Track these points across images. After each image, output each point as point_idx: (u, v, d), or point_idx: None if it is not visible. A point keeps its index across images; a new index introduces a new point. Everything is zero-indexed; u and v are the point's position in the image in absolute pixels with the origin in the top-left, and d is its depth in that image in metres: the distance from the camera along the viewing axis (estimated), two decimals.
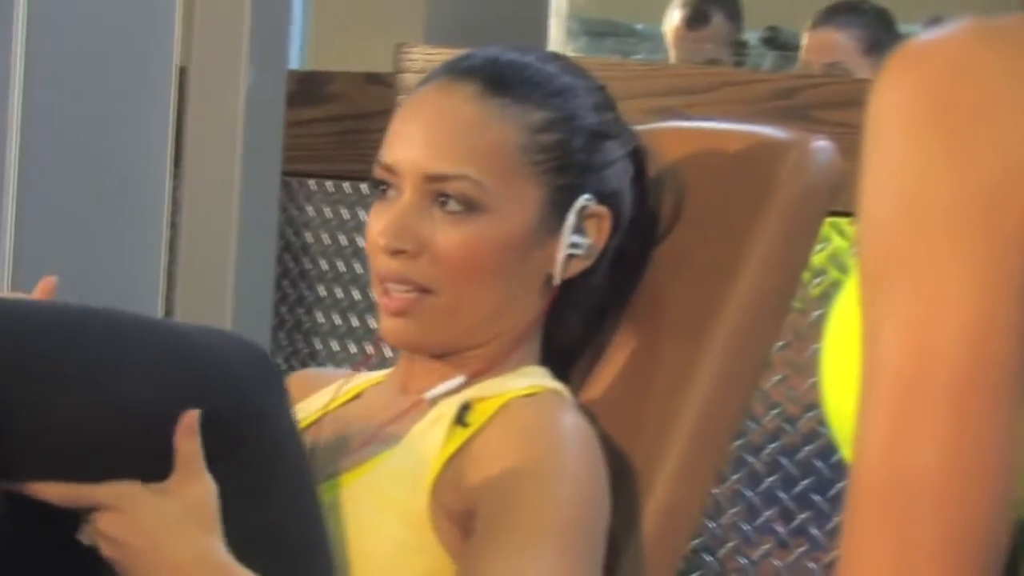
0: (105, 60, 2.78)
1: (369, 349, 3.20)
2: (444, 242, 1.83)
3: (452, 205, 1.84)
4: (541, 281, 1.90)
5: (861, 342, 1.07)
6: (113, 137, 2.80)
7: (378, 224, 1.86)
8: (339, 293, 3.32)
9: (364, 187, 3.24)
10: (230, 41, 2.47)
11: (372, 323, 3.26)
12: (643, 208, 1.95)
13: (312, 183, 3.30)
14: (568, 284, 1.91)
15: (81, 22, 2.73)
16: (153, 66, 2.80)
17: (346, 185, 3.30)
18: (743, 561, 2.84)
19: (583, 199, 1.88)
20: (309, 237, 3.32)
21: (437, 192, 1.84)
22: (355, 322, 3.30)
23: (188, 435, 1.64)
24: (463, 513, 1.77)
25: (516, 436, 1.79)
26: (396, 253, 1.83)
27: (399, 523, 1.78)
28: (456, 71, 1.89)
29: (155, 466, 1.64)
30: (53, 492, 1.62)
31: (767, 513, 2.84)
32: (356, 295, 3.30)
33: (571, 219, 1.88)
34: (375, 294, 1.90)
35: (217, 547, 1.65)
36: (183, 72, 2.74)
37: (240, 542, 1.67)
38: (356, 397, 2.01)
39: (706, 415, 1.87)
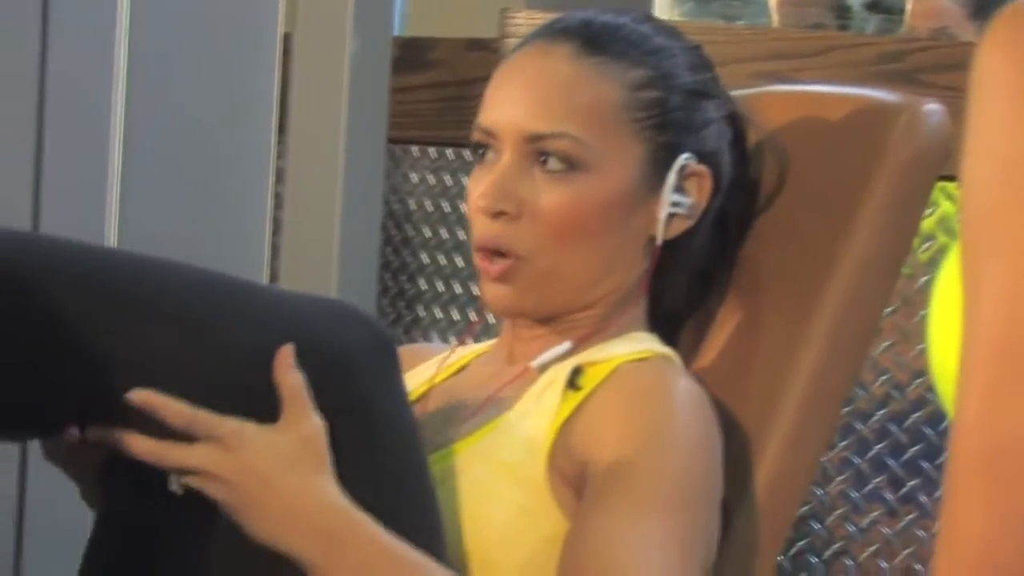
0: (209, 27, 2.80)
1: (472, 316, 3.21)
2: (546, 202, 1.84)
3: (553, 164, 1.84)
4: (643, 242, 1.90)
5: (963, 305, 1.08)
6: (217, 105, 2.81)
7: (478, 187, 1.86)
8: (442, 260, 3.33)
9: (467, 154, 3.24)
10: (335, 7, 2.48)
11: (475, 290, 3.27)
12: (743, 172, 1.96)
13: (415, 150, 3.31)
14: (671, 246, 1.91)
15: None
16: (257, 33, 2.82)
17: (449, 152, 3.30)
18: (851, 528, 2.83)
19: (683, 158, 1.88)
20: (412, 204, 3.33)
21: (537, 152, 1.84)
22: (458, 289, 3.31)
23: (288, 369, 1.63)
24: (577, 477, 1.77)
25: (628, 400, 1.79)
26: (497, 215, 1.84)
27: (516, 488, 1.78)
28: (551, 33, 1.89)
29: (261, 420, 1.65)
30: (172, 410, 1.61)
31: (876, 480, 2.83)
32: (459, 262, 3.31)
33: (672, 178, 1.88)
34: (475, 260, 1.90)
35: (330, 485, 1.64)
36: (287, 39, 2.75)
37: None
38: (462, 369, 2.02)
39: (816, 382, 1.87)
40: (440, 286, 3.33)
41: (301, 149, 2.53)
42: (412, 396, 1.96)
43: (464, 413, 1.90)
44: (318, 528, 1.63)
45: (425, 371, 2.02)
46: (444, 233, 3.32)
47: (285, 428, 1.64)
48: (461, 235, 3.29)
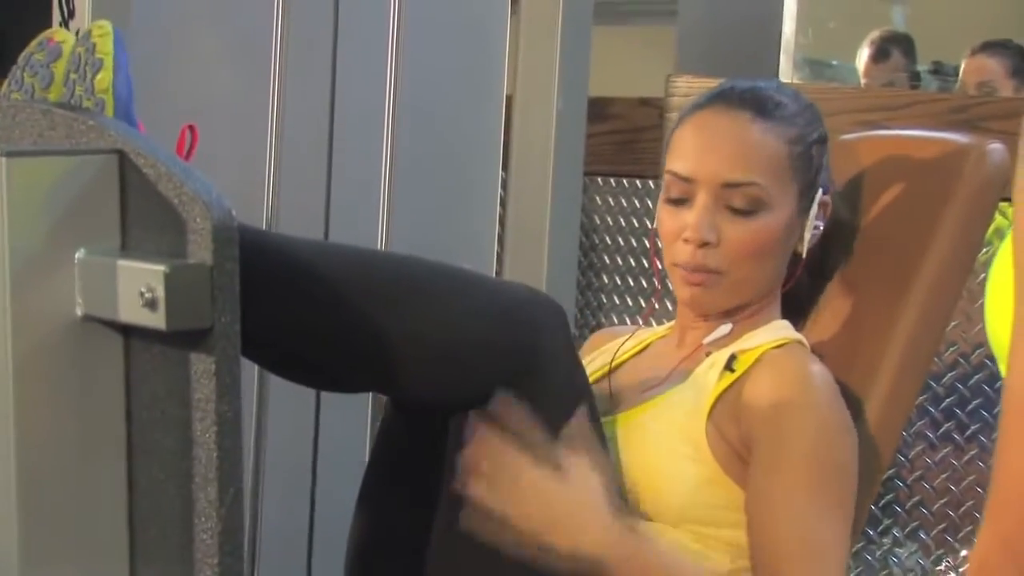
0: (457, 88, 2.82)
1: (644, 304, 3.21)
2: (735, 235, 1.82)
3: (743, 205, 1.82)
4: (790, 254, 1.89)
5: (1015, 296, 1.07)
6: (459, 148, 2.83)
7: (675, 222, 1.84)
8: (619, 260, 3.33)
9: (639, 183, 3.25)
10: (545, 75, 2.48)
11: (645, 283, 3.27)
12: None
13: (599, 179, 3.32)
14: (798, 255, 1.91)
15: (438, 70, 2.78)
16: (489, 94, 2.83)
17: (624, 181, 3.31)
18: (928, 460, 2.80)
19: (820, 192, 1.88)
20: (597, 219, 3.33)
21: (729, 195, 1.82)
22: (631, 282, 3.30)
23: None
24: (739, 440, 1.75)
25: (773, 380, 1.77)
26: (703, 245, 1.83)
27: (682, 441, 1.77)
28: (728, 100, 1.86)
29: (479, 370, 1.64)
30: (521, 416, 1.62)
31: (947, 425, 2.80)
32: (632, 262, 3.30)
33: (815, 208, 1.87)
34: (668, 271, 1.88)
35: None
36: (510, 99, 2.76)
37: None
38: (644, 349, 2.01)
39: (909, 350, 1.85)
40: (618, 280, 3.32)
41: (520, 181, 2.54)
42: (605, 368, 1.97)
43: (647, 383, 1.89)
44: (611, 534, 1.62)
45: (614, 347, 2.02)
46: (620, 240, 3.32)
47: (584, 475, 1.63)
48: (634, 242, 3.29)
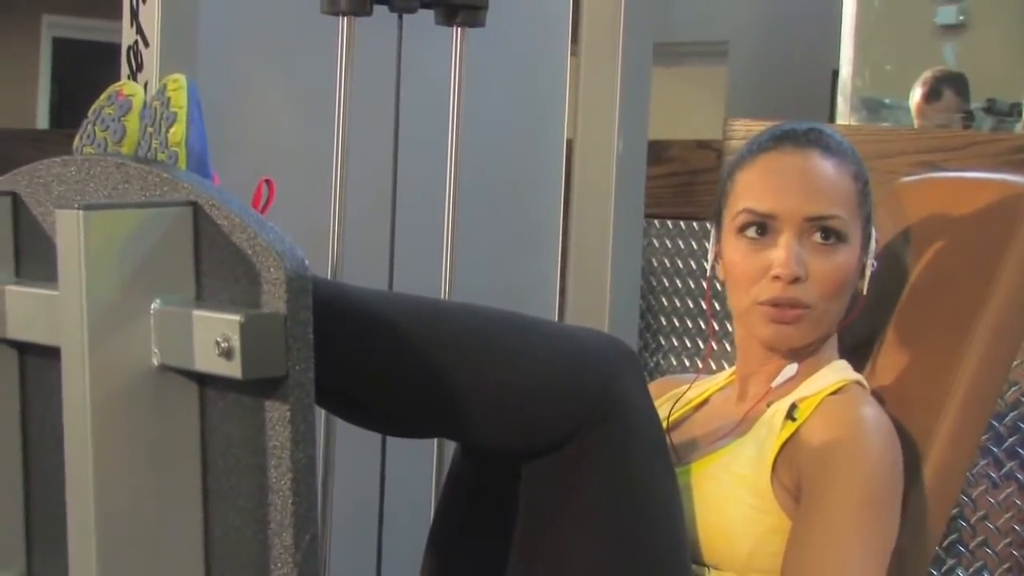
0: (515, 135, 2.83)
1: (702, 345, 3.20)
2: (821, 267, 1.84)
3: (828, 238, 1.84)
4: (853, 291, 1.89)
5: None
6: (520, 192, 2.84)
7: (755, 261, 1.86)
8: (677, 302, 3.33)
9: (696, 224, 3.25)
10: (605, 119, 2.49)
11: (703, 324, 3.26)
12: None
13: (657, 222, 3.32)
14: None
15: (499, 114, 2.79)
16: (550, 139, 2.84)
17: (681, 223, 3.31)
18: (991, 501, 2.78)
19: (873, 229, 1.88)
20: (655, 262, 3.34)
21: (814, 229, 1.84)
22: (690, 324, 3.30)
23: None
24: (794, 485, 1.76)
25: (825, 423, 1.77)
26: (794, 281, 1.84)
27: (748, 492, 1.77)
28: (795, 140, 1.88)
29: (551, 417, 1.62)
30: None
31: (1009, 464, 2.78)
32: (690, 304, 3.30)
33: (872, 243, 1.88)
34: (744, 312, 1.89)
35: None
36: (570, 143, 2.77)
37: (601, 498, 1.63)
38: (705, 402, 2.02)
39: (973, 391, 1.84)
40: (676, 322, 3.32)
41: (581, 224, 2.55)
42: (672, 417, 1.98)
43: (711, 436, 1.90)
44: None
45: (676, 396, 2.03)
46: (679, 282, 3.32)
47: None
48: (691, 283, 3.29)
